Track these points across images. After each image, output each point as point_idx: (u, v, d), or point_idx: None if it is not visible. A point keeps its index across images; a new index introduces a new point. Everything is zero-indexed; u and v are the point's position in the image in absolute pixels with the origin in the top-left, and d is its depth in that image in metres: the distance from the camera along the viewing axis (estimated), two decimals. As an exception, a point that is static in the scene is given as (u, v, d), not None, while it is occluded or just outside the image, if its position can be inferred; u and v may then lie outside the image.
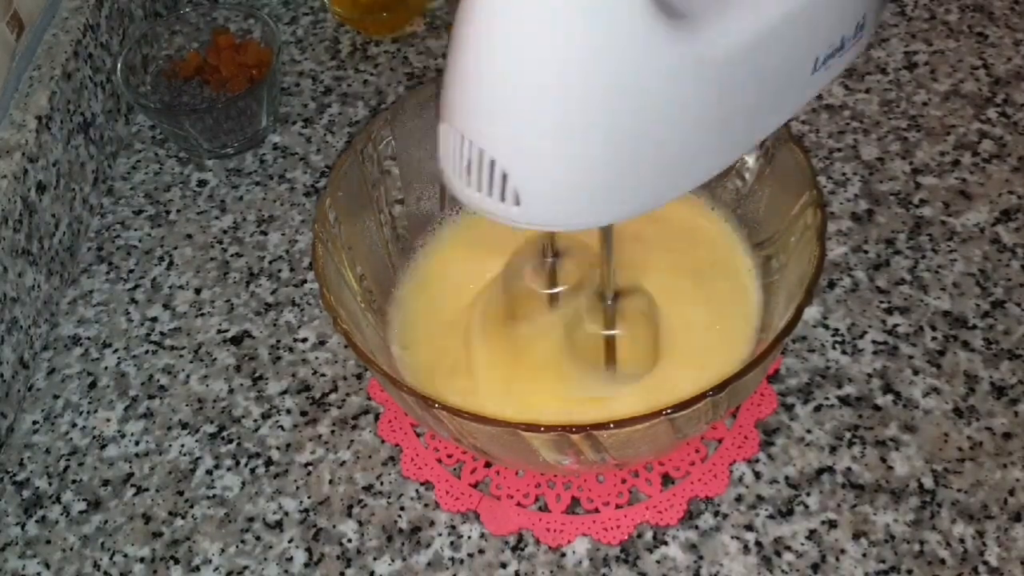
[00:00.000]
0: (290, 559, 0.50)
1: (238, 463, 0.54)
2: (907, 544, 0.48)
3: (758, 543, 0.48)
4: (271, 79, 0.67)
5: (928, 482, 0.49)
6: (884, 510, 0.49)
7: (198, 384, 0.57)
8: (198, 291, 0.62)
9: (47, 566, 0.51)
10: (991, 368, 0.53)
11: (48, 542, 0.52)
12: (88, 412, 0.57)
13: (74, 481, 0.54)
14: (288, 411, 0.55)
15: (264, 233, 0.64)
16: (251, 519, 0.51)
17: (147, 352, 0.59)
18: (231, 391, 0.57)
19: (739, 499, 0.50)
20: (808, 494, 0.50)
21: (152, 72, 0.70)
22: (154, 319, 0.60)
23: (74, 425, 0.56)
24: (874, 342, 0.55)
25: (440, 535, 0.50)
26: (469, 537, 0.50)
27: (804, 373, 0.54)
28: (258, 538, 0.51)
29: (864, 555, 0.47)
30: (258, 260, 0.63)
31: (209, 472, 0.53)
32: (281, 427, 0.55)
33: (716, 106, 0.36)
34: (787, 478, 0.50)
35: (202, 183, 0.68)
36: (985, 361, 0.53)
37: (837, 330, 0.55)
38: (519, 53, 0.32)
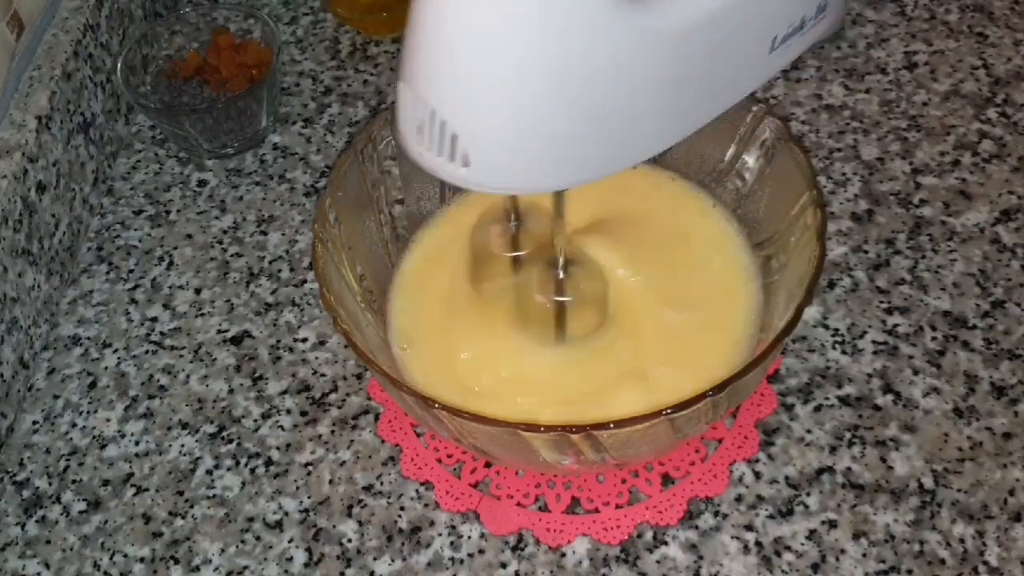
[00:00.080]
0: (290, 559, 0.50)
1: (238, 463, 0.54)
2: (907, 544, 0.48)
3: (758, 543, 0.48)
4: (271, 79, 0.67)
5: (928, 482, 0.49)
6: (884, 510, 0.49)
7: (198, 384, 0.57)
8: (198, 291, 0.62)
9: (47, 566, 0.51)
10: (991, 368, 0.53)
11: (48, 542, 0.52)
12: (88, 412, 0.57)
13: (74, 481, 0.54)
14: (288, 411, 0.55)
15: (264, 233, 0.64)
16: (251, 519, 0.51)
17: (147, 352, 0.59)
18: (231, 391, 0.57)
19: (739, 499, 0.50)
20: (808, 494, 0.50)
21: (152, 72, 0.70)
22: (154, 319, 0.60)
23: (74, 425, 0.56)
24: (874, 342, 0.55)
25: (440, 535, 0.50)
26: (469, 537, 0.50)
27: (804, 373, 0.54)
28: (258, 538, 0.51)
29: (864, 555, 0.47)
30: (258, 260, 0.63)
31: (209, 472, 0.53)
32: (281, 427, 0.55)
33: (668, 78, 0.36)
34: (787, 478, 0.50)
35: (202, 183, 0.68)
36: (985, 361, 0.53)
37: (837, 330, 0.55)
38: (470, 16, 0.33)
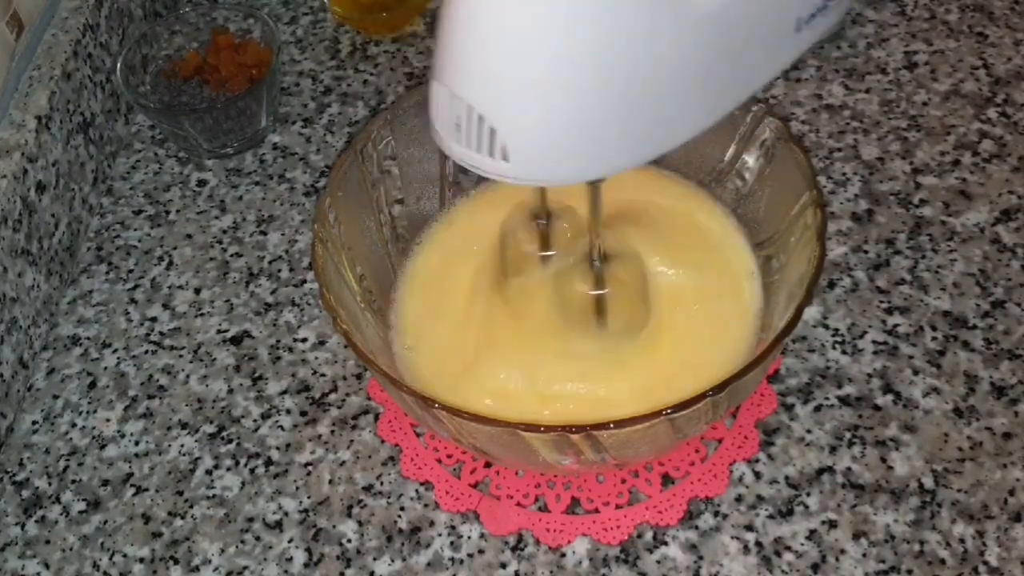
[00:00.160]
0: (290, 559, 0.50)
1: (238, 463, 0.54)
2: (907, 544, 0.48)
3: (758, 543, 0.48)
4: (271, 79, 0.67)
5: (928, 482, 0.49)
6: (884, 510, 0.49)
7: (198, 384, 0.57)
8: (198, 291, 0.62)
9: (47, 566, 0.51)
10: (991, 368, 0.53)
11: (48, 542, 0.52)
12: (88, 412, 0.57)
13: (74, 481, 0.54)
14: (288, 411, 0.55)
15: (264, 233, 0.64)
16: (251, 519, 0.51)
17: (147, 352, 0.59)
18: (231, 391, 0.57)
19: (739, 499, 0.50)
20: (808, 494, 0.50)
21: (152, 72, 0.70)
22: (154, 319, 0.60)
23: (74, 425, 0.56)
24: (874, 342, 0.55)
25: (440, 535, 0.50)
26: (469, 537, 0.50)
27: (804, 373, 0.54)
28: (258, 538, 0.51)
29: (864, 555, 0.47)
30: (258, 260, 0.63)
31: (209, 472, 0.53)
32: (281, 427, 0.55)
33: (700, 62, 0.36)
34: (787, 478, 0.50)
35: (202, 183, 0.68)
36: (985, 361, 0.53)
37: (837, 330, 0.55)
38: (506, 10, 0.33)
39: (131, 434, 0.55)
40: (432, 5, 0.76)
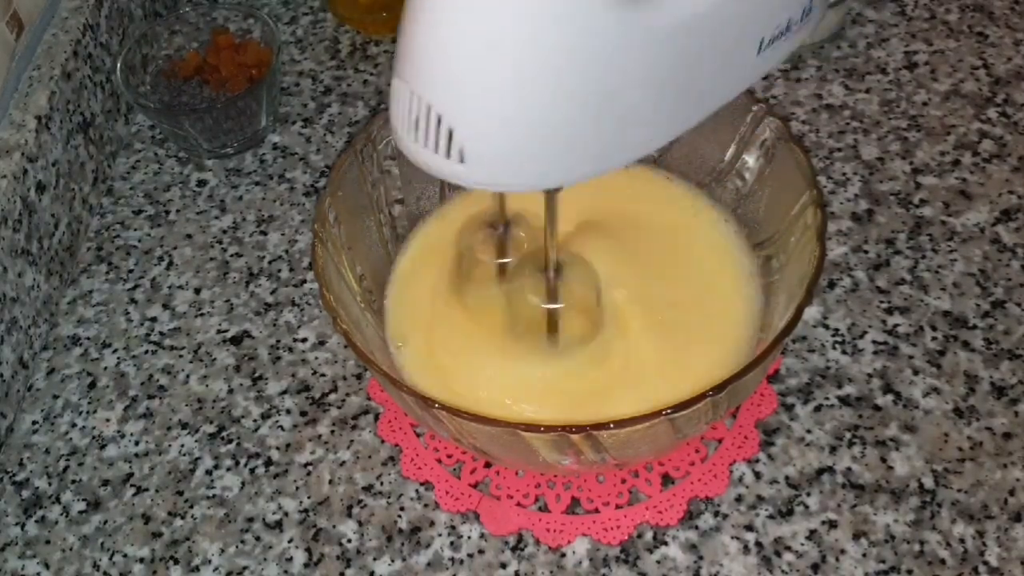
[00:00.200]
0: (290, 559, 0.50)
1: (238, 463, 0.54)
2: (907, 544, 0.48)
3: (758, 543, 0.48)
4: (271, 79, 0.67)
5: (928, 482, 0.49)
6: (884, 510, 0.49)
7: (198, 384, 0.57)
8: (198, 291, 0.62)
9: (47, 566, 0.51)
10: (991, 368, 0.53)
11: (48, 542, 0.52)
12: (88, 412, 0.57)
13: (74, 481, 0.54)
14: (288, 411, 0.55)
15: (264, 233, 0.64)
16: (251, 519, 0.51)
17: (147, 352, 0.59)
18: (231, 391, 0.57)
19: (739, 499, 0.50)
20: (808, 494, 0.49)
21: (152, 72, 0.70)
22: (154, 319, 0.60)
23: (74, 425, 0.56)
24: (874, 342, 0.55)
25: (440, 535, 0.50)
26: (469, 537, 0.50)
27: (804, 373, 0.54)
28: (258, 538, 0.51)
29: (864, 555, 0.47)
30: (258, 260, 0.63)
31: (209, 472, 0.53)
32: (281, 427, 0.55)
33: (661, 76, 0.36)
34: (787, 478, 0.50)
35: (202, 183, 0.68)
36: (985, 361, 0.53)
37: (837, 330, 0.55)
38: (467, 10, 0.33)
39: (131, 434, 0.55)
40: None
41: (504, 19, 0.32)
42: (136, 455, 0.55)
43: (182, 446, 0.55)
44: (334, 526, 0.51)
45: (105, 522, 0.52)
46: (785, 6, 0.39)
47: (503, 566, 0.49)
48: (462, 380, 0.49)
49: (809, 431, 0.52)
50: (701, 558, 0.48)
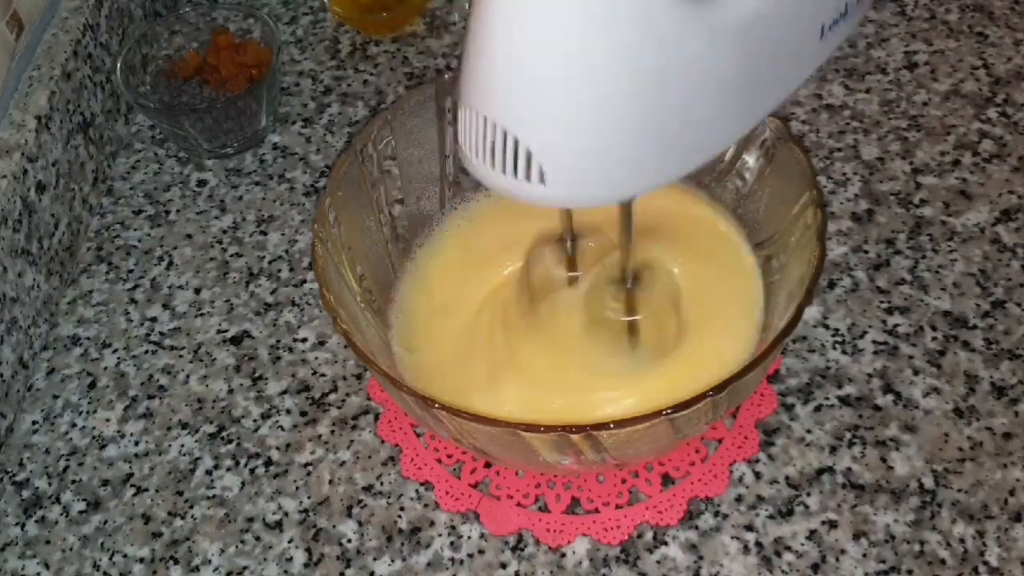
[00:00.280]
0: (290, 559, 0.50)
1: (238, 463, 0.54)
2: (907, 544, 0.48)
3: (758, 543, 0.48)
4: (271, 79, 0.67)
5: (928, 482, 0.49)
6: (884, 510, 0.49)
7: (198, 384, 0.57)
8: (198, 291, 0.62)
9: (47, 566, 0.51)
10: (991, 368, 0.53)
11: (48, 542, 0.52)
12: (88, 412, 0.57)
13: (74, 481, 0.54)
14: (288, 411, 0.55)
15: (264, 233, 0.64)
16: (251, 519, 0.51)
17: (147, 352, 0.59)
18: (231, 391, 0.57)
19: (739, 499, 0.50)
20: (808, 494, 0.49)
21: (152, 72, 0.70)
22: (154, 319, 0.60)
23: (74, 425, 0.56)
24: (874, 342, 0.55)
25: (440, 535, 0.50)
26: (469, 537, 0.50)
27: (804, 373, 0.54)
28: (258, 538, 0.51)
29: (864, 555, 0.47)
30: (258, 260, 0.63)
31: (209, 472, 0.53)
32: (281, 427, 0.55)
33: (731, 72, 0.36)
34: (787, 478, 0.50)
35: (202, 183, 0.68)
36: (985, 361, 0.53)
37: (837, 330, 0.55)
38: (540, 32, 0.33)
39: (131, 434, 0.55)
40: (432, 5, 0.76)
41: (573, 35, 0.32)
42: (136, 455, 0.55)
43: (182, 446, 0.55)
44: (334, 526, 0.51)
45: (105, 522, 0.52)
46: None
47: (503, 566, 0.49)
48: (518, 399, 0.48)
49: (809, 431, 0.52)
50: (701, 558, 0.48)
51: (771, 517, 0.49)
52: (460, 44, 0.66)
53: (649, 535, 0.49)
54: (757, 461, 0.51)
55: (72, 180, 0.64)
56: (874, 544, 0.48)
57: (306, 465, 0.53)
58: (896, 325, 0.55)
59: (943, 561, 0.47)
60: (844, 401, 0.53)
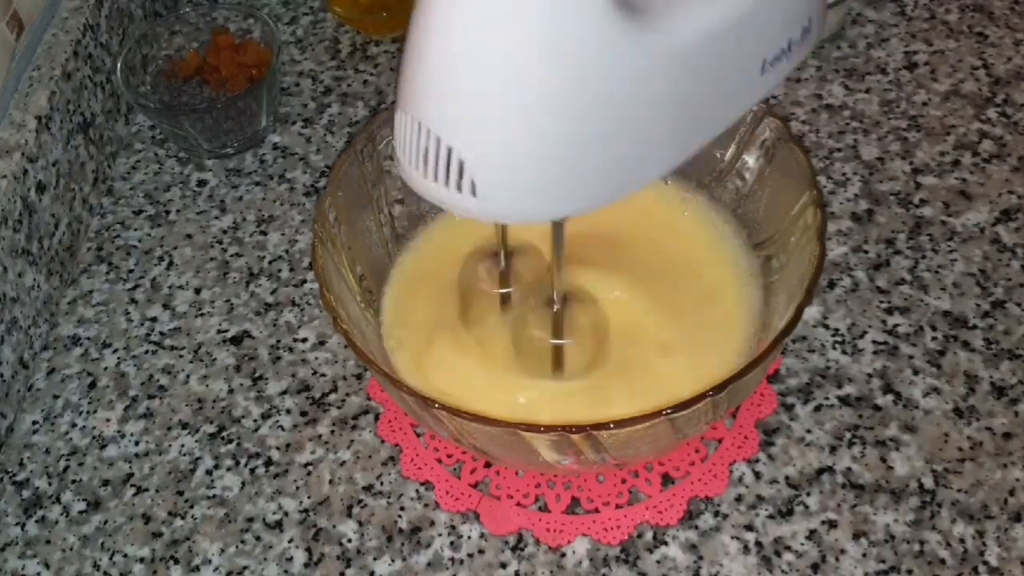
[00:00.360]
0: (290, 559, 0.50)
1: (238, 463, 0.54)
2: (907, 544, 0.48)
3: (758, 543, 0.48)
4: (271, 79, 0.67)
5: (928, 482, 0.49)
6: (884, 510, 0.49)
7: (198, 384, 0.57)
8: (198, 291, 0.62)
9: (47, 566, 0.51)
10: (991, 368, 0.53)
11: (48, 542, 0.52)
12: (88, 412, 0.57)
13: (74, 481, 0.54)
14: (288, 411, 0.55)
15: (264, 233, 0.64)
16: (251, 519, 0.51)
17: (147, 352, 0.59)
18: (231, 391, 0.57)
19: (739, 499, 0.50)
20: (808, 494, 0.50)
21: (152, 72, 0.70)
22: (154, 319, 0.60)
23: (74, 425, 0.56)
24: (874, 342, 0.55)
25: (440, 535, 0.50)
26: (469, 537, 0.50)
27: (804, 373, 0.54)
28: (258, 538, 0.51)
29: (864, 555, 0.47)
30: (258, 260, 0.63)
31: (209, 472, 0.53)
32: (281, 427, 0.55)
33: (668, 101, 0.36)
34: (787, 478, 0.50)
35: (202, 183, 0.68)
36: (985, 361, 0.53)
37: (837, 330, 0.55)
38: (477, 41, 0.32)
39: (131, 434, 0.55)
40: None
41: (512, 49, 0.32)
42: (136, 455, 0.55)
43: (182, 446, 0.55)
44: (334, 526, 0.51)
45: (105, 522, 0.52)
46: (784, 28, 0.39)
47: (503, 566, 0.49)
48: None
49: (809, 431, 0.52)
50: (701, 558, 0.48)
51: (771, 517, 0.49)
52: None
53: (649, 535, 0.49)
54: (757, 461, 0.51)
55: (72, 180, 0.64)
56: (874, 544, 0.48)
57: (306, 465, 0.53)
58: (896, 325, 0.55)
59: (943, 561, 0.47)
60: (844, 401, 0.53)
